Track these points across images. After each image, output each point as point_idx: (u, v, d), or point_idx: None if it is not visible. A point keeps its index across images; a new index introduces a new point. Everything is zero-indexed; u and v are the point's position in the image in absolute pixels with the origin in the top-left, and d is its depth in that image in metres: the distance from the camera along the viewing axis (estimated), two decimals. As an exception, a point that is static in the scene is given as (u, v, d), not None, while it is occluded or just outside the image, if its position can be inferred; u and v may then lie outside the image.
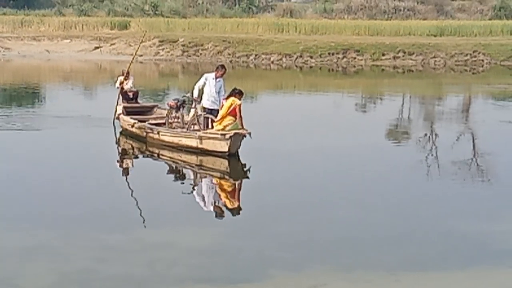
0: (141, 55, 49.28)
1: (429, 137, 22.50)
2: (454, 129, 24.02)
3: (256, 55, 49.03)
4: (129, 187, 15.01)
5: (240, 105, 17.19)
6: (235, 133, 16.99)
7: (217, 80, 18.75)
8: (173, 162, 17.50)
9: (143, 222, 12.25)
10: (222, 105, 17.63)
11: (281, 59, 48.69)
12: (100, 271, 9.81)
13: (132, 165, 17.90)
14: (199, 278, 9.62)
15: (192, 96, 18.99)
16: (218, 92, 18.68)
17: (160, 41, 50.94)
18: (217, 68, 18.99)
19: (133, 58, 23.83)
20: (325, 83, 40.98)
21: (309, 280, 9.58)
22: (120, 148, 19.65)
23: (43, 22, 57.54)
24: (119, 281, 9.46)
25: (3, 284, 9.31)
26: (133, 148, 19.10)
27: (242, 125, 17.22)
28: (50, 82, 39.36)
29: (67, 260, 10.25)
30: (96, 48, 51.43)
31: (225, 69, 19.04)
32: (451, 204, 13.94)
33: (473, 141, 21.42)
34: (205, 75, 18.98)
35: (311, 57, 48.92)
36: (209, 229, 12.01)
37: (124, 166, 17.74)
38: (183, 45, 50.31)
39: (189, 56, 49.48)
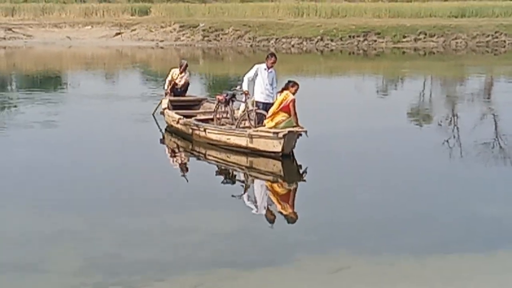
0: (161, 41, 49.47)
1: (451, 119, 22.42)
2: (476, 110, 23.91)
3: (276, 39, 48.98)
4: (164, 182, 14.57)
5: (294, 100, 15.54)
6: (289, 131, 15.36)
7: (269, 70, 17.11)
8: (221, 163, 15.95)
9: (167, 207, 12.32)
10: (276, 100, 16.08)
11: (301, 43, 48.62)
12: (125, 256, 9.88)
13: (177, 165, 16.54)
14: (223, 262, 9.67)
15: (242, 88, 17.30)
16: (271, 84, 17.13)
17: (180, 27, 51.01)
18: (267, 57, 17.33)
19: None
20: (346, 66, 40.89)
21: (333, 263, 9.62)
22: (165, 147, 18.32)
23: (64, 9, 57.75)
24: (144, 266, 9.52)
25: (30, 269, 9.40)
26: (178, 147, 17.72)
27: (297, 122, 15.59)
28: (73, 68, 39.49)
29: (93, 244, 10.33)
30: (117, 34, 51.57)
31: (276, 57, 17.29)
32: (474, 187, 13.92)
33: (496, 123, 21.32)
34: (256, 66, 17.17)
35: (332, 40, 48.83)
36: (229, 211, 12.07)
37: (166, 165, 16.32)
38: (203, 30, 50.34)
39: (210, 41, 49.52)
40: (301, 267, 9.54)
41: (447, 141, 18.12)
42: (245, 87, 17.17)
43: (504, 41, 49.64)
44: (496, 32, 50.23)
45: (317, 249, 10.27)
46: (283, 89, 15.86)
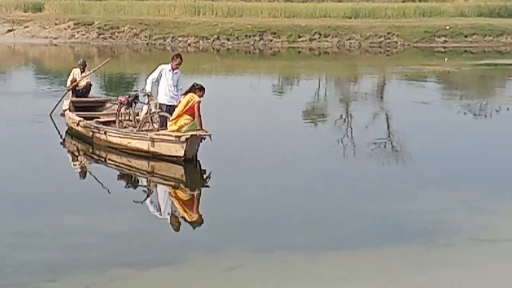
0: (55, 38, 48.68)
1: (344, 118, 22.77)
2: (369, 110, 24.34)
3: (173, 38, 48.82)
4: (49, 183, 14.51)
5: (199, 102, 15.02)
6: (192, 135, 14.82)
7: (174, 72, 16.56)
8: (122, 167, 15.40)
9: (61, 209, 12.12)
10: (180, 102, 15.49)
11: (198, 42, 48.59)
12: (15, 257, 9.69)
13: (75, 169, 16.00)
14: (116, 262, 9.59)
15: (145, 90, 16.73)
16: (176, 86, 16.54)
17: (75, 24, 50.27)
18: (173, 57, 16.71)
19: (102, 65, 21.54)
20: (242, 65, 41.05)
21: (227, 262, 9.65)
22: (64, 150, 17.53)
23: (-47, 4, 56.20)
24: (34, 266, 9.36)
25: None
26: (78, 150, 16.97)
27: (201, 125, 15.08)
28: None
29: (-19, 246, 10.12)
30: (9, 31, 50.48)
31: (181, 59, 16.68)
32: (367, 185, 14.14)
33: (388, 122, 21.76)
34: (160, 67, 16.62)
35: (228, 40, 48.96)
36: (125, 213, 11.98)
37: (64, 168, 15.53)
38: (98, 28, 49.74)
39: (105, 39, 48.98)
40: (196, 266, 9.55)
41: (341, 140, 18.40)
42: (148, 88, 16.64)
43: (396, 42, 50.70)
44: (388, 33, 51.25)
45: (212, 248, 10.28)
46: (187, 92, 15.36)
